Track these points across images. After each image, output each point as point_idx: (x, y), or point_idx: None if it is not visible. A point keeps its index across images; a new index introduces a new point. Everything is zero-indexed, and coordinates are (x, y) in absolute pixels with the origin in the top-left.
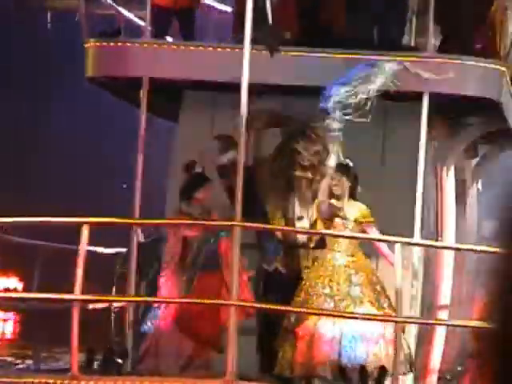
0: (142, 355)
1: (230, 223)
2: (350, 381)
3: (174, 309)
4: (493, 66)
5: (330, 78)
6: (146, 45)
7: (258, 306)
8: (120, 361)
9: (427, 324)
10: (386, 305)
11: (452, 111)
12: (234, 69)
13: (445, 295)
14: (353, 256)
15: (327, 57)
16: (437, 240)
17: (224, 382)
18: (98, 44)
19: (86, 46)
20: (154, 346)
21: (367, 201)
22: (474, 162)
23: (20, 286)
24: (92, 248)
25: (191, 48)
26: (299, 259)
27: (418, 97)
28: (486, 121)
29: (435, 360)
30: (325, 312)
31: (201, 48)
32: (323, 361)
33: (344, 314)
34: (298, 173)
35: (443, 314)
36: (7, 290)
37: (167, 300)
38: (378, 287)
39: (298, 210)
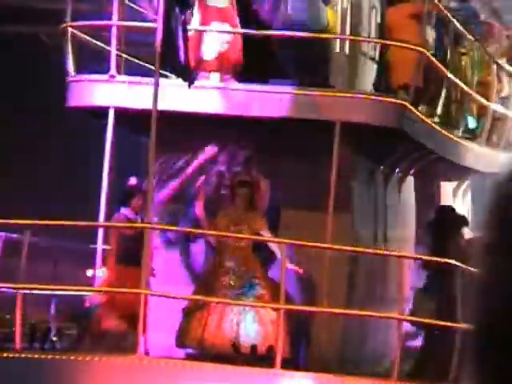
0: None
1: (143, 225)
2: (243, 357)
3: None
4: (393, 100)
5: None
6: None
7: (163, 295)
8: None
9: (307, 311)
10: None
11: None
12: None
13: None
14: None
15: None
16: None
17: (133, 359)
18: (74, 78)
19: (68, 80)
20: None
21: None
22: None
23: None
24: None
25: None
26: None
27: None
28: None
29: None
30: (220, 300)
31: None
32: (225, 339)
33: (238, 302)
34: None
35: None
36: None
37: (85, 288)
38: (256, 280)
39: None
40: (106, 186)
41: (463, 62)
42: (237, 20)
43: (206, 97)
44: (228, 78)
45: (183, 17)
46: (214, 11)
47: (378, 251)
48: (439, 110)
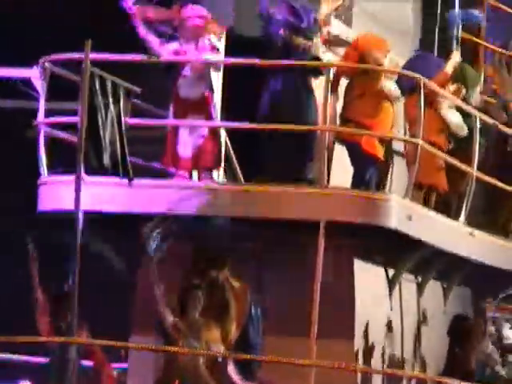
0: None
1: (66, 340)
2: None
3: None
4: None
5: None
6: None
7: None
8: None
9: None
10: None
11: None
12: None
13: None
14: None
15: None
16: None
17: None
18: (43, 180)
19: (38, 182)
20: None
21: None
22: None
23: None
24: None
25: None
26: None
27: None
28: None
29: None
30: None
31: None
32: None
33: None
34: None
35: None
36: None
37: None
38: None
39: None
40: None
41: None
42: (215, 111)
43: (182, 196)
44: (206, 175)
45: (118, 107)
46: (187, 103)
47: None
48: (463, 213)
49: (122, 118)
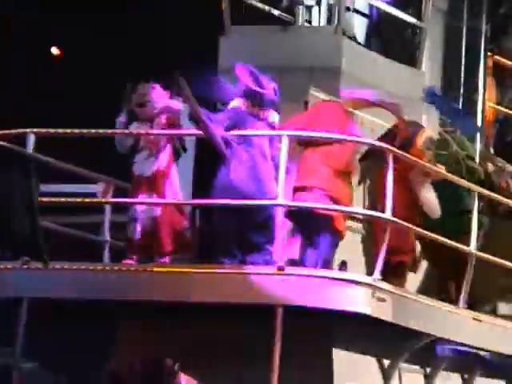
0: None
1: None
2: None
3: None
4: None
5: None
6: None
7: None
8: None
9: None
10: None
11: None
12: None
13: None
14: None
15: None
16: None
17: None
18: None
19: None
20: None
21: None
22: None
23: None
24: None
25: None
26: None
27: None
28: None
29: None
30: None
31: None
32: None
33: None
34: None
35: None
36: None
37: None
38: None
39: None
40: None
41: None
42: (171, 188)
43: (131, 282)
44: (159, 259)
45: (29, 184)
46: (141, 181)
47: None
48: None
49: (34, 196)
